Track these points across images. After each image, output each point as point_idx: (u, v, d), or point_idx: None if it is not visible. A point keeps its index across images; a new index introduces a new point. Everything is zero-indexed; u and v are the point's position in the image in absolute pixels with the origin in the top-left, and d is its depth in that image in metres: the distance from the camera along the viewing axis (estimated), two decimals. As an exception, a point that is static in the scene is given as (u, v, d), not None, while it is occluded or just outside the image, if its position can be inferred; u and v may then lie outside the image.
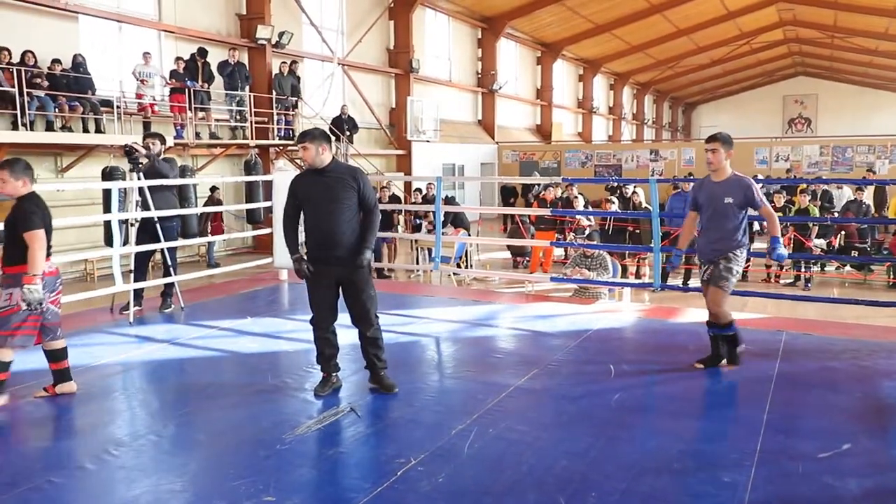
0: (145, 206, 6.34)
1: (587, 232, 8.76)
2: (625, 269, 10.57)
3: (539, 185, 15.09)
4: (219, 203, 12.66)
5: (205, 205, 11.96)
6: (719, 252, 4.59)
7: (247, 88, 14.21)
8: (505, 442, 3.66)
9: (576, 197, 11.43)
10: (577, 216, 10.99)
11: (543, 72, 28.94)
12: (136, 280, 6.39)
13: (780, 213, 11.11)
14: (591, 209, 11.33)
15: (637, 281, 8.87)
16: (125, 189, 6.55)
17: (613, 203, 11.49)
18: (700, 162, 20.66)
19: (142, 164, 6.38)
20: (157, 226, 6.41)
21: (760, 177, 14.20)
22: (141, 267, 6.51)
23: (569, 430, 3.80)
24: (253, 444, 3.61)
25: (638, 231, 11.42)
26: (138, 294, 6.56)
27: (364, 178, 4.28)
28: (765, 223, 4.91)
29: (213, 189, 13.03)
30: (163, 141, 6.66)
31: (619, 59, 31.76)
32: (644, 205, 11.57)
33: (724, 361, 4.77)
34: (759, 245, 12.71)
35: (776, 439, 3.62)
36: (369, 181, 4.34)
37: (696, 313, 6.46)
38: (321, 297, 4.25)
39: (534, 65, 28.88)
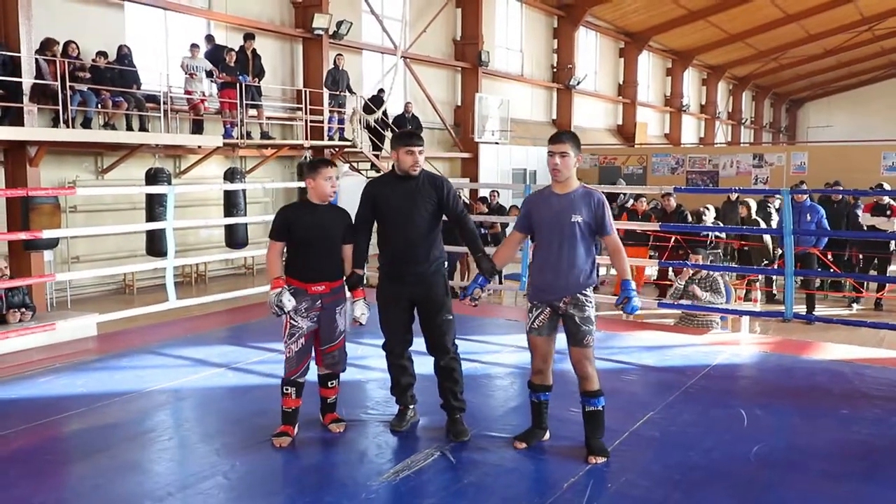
0: None
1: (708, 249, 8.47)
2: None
3: (625, 194, 14.82)
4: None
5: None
6: (565, 292, 3.84)
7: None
8: (629, 500, 3.46)
9: (706, 208, 10.99)
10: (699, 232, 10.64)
11: (627, 65, 28.59)
12: None
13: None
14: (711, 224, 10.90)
15: (758, 308, 8.49)
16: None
17: (708, 211, 11.11)
18: (816, 167, 19.92)
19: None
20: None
21: (888, 186, 13.50)
22: None
23: (704, 489, 3.57)
24: (334, 490, 3.52)
25: (746, 248, 11.02)
26: None
27: (447, 184, 4.25)
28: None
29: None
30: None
31: (713, 49, 31.14)
32: (754, 218, 11.17)
33: (589, 455, 3.86)
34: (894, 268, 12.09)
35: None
36: (453, 187, 4.29)
37: (835, 349, 6.12)
38: (395, 319, 4.23)
39: (616, 57, 28.57)
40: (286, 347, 4.10)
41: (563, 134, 3.91)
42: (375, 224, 4.25)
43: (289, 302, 3.97)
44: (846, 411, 4.60)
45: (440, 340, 4.20)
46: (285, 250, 4.17)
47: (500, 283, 11.53)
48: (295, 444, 4.12)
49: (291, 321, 4.06)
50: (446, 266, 4.43)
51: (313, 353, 4.19)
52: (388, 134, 15.72)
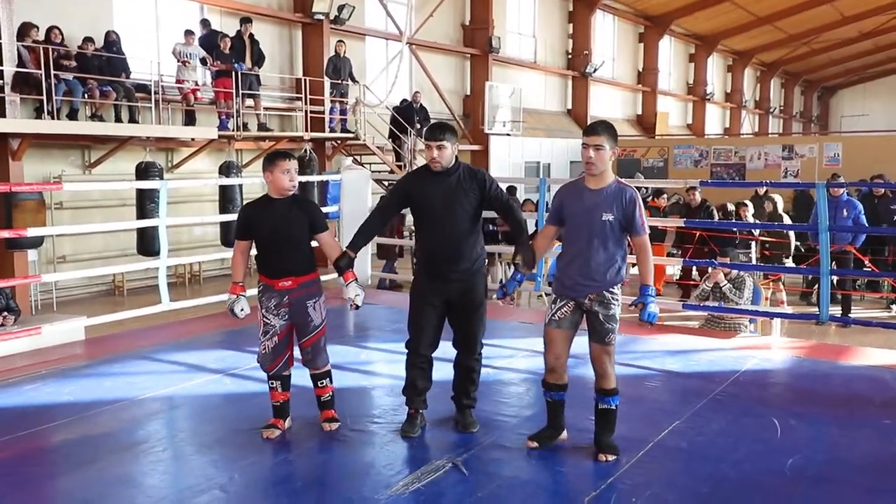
0: None
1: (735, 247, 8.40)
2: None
3: (646, 188, 14.80)
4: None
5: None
6: (590, 289, 3.91)
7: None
8: (655, 516, 3.44)
9: (744, 204, 10.89)
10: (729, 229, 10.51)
11: (647, 51, 28.55)
12: None
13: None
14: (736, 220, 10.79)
15: (789, 310, 8.45)
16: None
17: (747, 208, 11.02)
18: (851, 159, 19.84)
19: None
20: None
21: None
22: None
23: None
24: (339, 503, 3.52)
25: (768, 246, 10.95)
26: None
27: (488, 176, 4.34)
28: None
29: None
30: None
31: (740, 33, 31.05)
32: (780, 214, 11.12)
33: (598, 453, 3.97)
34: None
35: None
36: (493, 178, 4.38)
37: (874, 354, 6.08)
38: (428, 319, 4.30)
39: (635, 42, 28.53)
40: (261, 344, 4.30)
41: (598, 125, 3.91)
42: (401, 222, 4.35)
43: (241, 311, 4.27)
44: (888, 421, 4.55)
45: (471, 340, 4.35)
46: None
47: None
48: (298, 452, 4.13)
49: (264, 319, 4.25)
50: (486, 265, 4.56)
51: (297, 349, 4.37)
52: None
